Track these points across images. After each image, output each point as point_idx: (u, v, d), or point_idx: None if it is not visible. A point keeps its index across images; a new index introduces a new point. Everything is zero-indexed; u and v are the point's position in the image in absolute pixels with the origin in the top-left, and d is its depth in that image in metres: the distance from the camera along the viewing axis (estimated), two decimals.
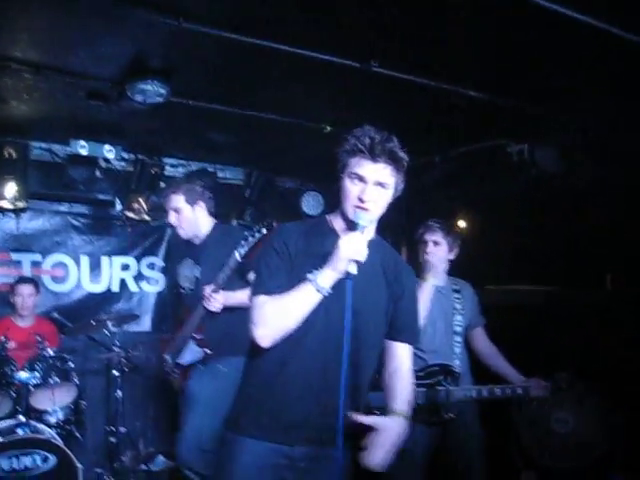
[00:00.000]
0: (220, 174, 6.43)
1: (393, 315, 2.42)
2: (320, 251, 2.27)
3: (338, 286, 2.20)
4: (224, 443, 2.39)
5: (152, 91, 4.04)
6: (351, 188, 2.26)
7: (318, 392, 2.28)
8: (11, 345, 4.67)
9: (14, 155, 5.31)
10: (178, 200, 3.98)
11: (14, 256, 5.96)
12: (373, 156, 2.21)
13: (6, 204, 5.48)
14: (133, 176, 5.98)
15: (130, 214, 6.09)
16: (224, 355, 3.82)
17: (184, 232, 4.04)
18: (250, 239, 3.70)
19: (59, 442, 4.32)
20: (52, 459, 4.19)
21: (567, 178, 4.77)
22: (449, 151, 5.41)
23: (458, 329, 3.94)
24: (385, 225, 2.48)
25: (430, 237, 3.97)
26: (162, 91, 4.06)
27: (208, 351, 3.93)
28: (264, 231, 3.72)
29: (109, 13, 3.26)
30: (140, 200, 6.01)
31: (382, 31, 3.45)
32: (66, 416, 4.78)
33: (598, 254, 4.69)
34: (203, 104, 4.60)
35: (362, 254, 2.16)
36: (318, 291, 2.19)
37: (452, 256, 4.05)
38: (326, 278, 2.19)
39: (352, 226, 2.23)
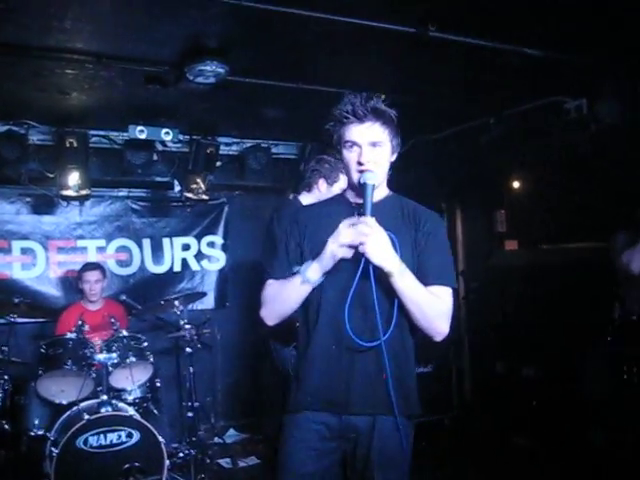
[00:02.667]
0: (274, 149, 6.47)
1: (419, 263, 2.34)
2: (336, 222, 2.30)
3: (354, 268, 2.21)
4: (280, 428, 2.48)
5: (210, 71, 4.07)
6: (349, 156, 2.32)
7: (342, 360, 2.32)
8: (87, 329, 4.82)
9: (75, 144, 5.43)
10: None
11: (80, 243, 6.17)
12: (358, 117, 2.26)
13: (70, 193, 5.63)
14: (189, 157, 6.08)
15: (189, 194, 6.21)
16: None
17: None
18: None
19: (141, 419, 4.47)
20: (136, 435, 4.37)
21: (629, 131, 4.67)
22: (504, 111, 5.33)
23: None
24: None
25: None
26: (220, 70, 4.08)
27: None
28: None
29: None
30: (198, 180, 6.12)
31: None
32: (144, 393, 4.95)
33: None
34: (257, 80, 4.62)
35: (349, 252, 2.21)
36: (306, 282, 2.30)
37: None
38: (314, 271, 2.29)
39: (362, 190, 2.25)
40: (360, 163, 2.27)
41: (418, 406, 2.41)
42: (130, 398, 4.84)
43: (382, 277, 2.21)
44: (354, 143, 2.29)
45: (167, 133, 5.48)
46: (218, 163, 6.16)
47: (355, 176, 2.31)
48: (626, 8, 3.50)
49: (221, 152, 6.17)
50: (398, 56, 4.27)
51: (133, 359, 4.79)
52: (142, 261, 6.42)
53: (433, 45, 3.92)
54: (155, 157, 5.97)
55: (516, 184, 6.25)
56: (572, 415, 5.05)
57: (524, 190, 6.19)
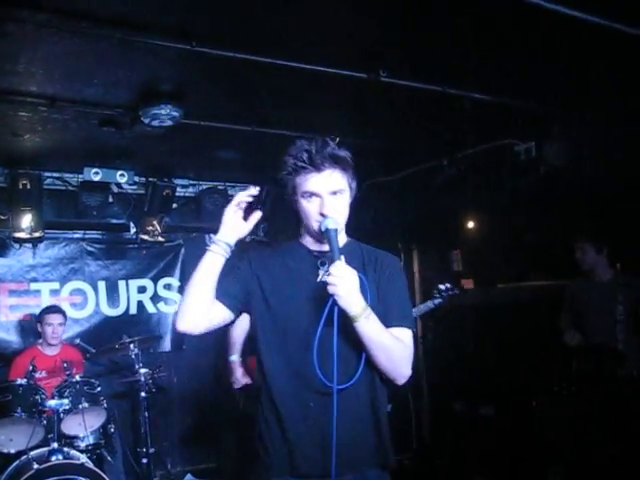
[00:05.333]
0: (230, 191, 6.50)
1: (382, 306, 2.24)
2: (297, 267, 2.29)
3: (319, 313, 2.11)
4: None
5: (165, 115, 4.11)
6: (309, 207, 2.20)
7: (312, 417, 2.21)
8: (41, 374, 4.72)
9: (28, 186, 5.39)
10: None
11: (33, 286, 6.06)
12: (316, 167, 2.15)
13: (23, 235, 5.57)
14: (145, 199, 6.07)
15: (144, 236, 6.19)
16: None
17: None
18: None
19: (93, 466, 4.35)
20: None
21: (576, 172, 4.83)
22: (456, 154, 5.46)
23: None
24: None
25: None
26: (175, 114, 4.13)
27: None
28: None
29: (121, 42, 3.33)
30: (154, 222, 6.10)
31: (387, 42, 3.54)
32: (97, 440, 4.81)
33: (609, 246, 4.76)
34: (213, 124, 4.67)
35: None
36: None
37: None
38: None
39: (326, 236, 2.15)
40: (323, 215, 2.16)
41: (392, 455, 2.31)
42: (82, 445, 4.70)
43: (347, 321, 2.10)
44: (313, 194, 2.18)
45: (122, 175, 5.49)
46: (174, 205, 6.17)
47: (315, 225, 2.20)
48: (572, 55, 3.67)
49: (177, 194, 6.20)
50: (351, 100, 4.36)
51: (86, 405, 4.67)
52: (97, 304, 6.33)
53: (385, 90, 4.02)
54: (110, 199, 5.96)
55: (470, 224, 6.35)
56: (530, 453, 5.09)
57: (478, 230, 6.29)
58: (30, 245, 5.94)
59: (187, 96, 4.11)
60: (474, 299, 6.37)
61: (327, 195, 2.17)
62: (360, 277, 2.10)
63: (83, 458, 4.45)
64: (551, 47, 3.57)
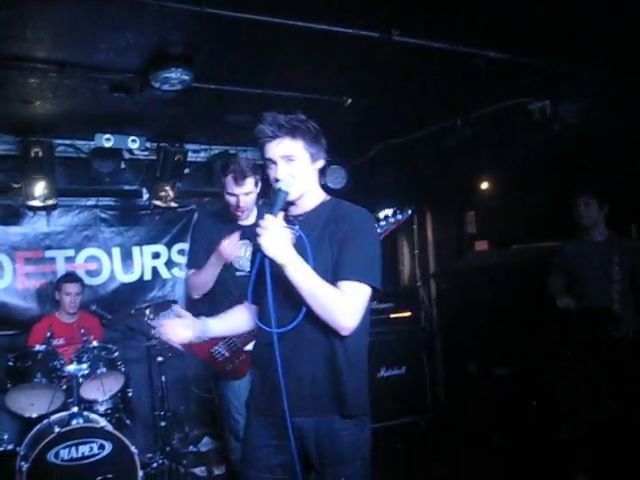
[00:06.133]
0: (242, 155, 6.44)
1: (337, 263, 2.39)
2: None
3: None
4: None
5: (175, 78, 4.06)
6: (269, 172, 2.46)
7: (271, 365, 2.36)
8: (59, 342, 4.77)
9: (40, 154, 5.37)
10: None
11: (48, 253, 6.08)
12: (268, 136, 2.39)
13: (36, 203, 5.56)
14: (157, 164, 6.04)
15: (157, 202, 6.17)
16: None
17: None
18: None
19: (113, 429, 4.42)
20: (108, 446, 4.30)
21: (591, 130, 4.76)
22: (470, 114, 5.38)
23: None
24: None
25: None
26: (185, 77, 4.07)
27: None
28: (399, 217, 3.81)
29: (128, 4, 3.29)
30: (166, 187, 6.09)
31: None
32: (115, 404, 4.91)
33: (623, 206, 4.70)
34: (223, 87, 4.62)
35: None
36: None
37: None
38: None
39: (276, 195, 2.37)
40: (277, 179, 2.39)
41: (358, 405, 2.45)
42: (102, 409, 4.80)
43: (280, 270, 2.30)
44: (270, 160, 2.42)
45: (134, 141, 5.46)
46: (186, 170, 6.15)
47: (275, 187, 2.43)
48: (588, 11, 3.57)
49: (189, 159, 6.15)
50: (362, 61, 4.29)
51: (104, 370, 4.74)
52: (112, 270, 6.36)
53: (397, 49, 3.96)
54: (122, 165, 5.93)
55: (484, 185, 6.31)
56: (545, 413, 5.12)
57: (493, 191, 6.25)
58: (44, 213, 5.95)
59: (197, 59, 4.05)
60: (488, 260, 6.37)
61: (280, 160, 2.40)
62: (299, 235, 2.39)
63: (103, 421, 4.51)
64: (565, 2, 3.48)
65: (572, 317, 4.68)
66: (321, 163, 2.52)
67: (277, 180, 2.39)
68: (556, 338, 4.84)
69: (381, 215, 3.89)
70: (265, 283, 2.29)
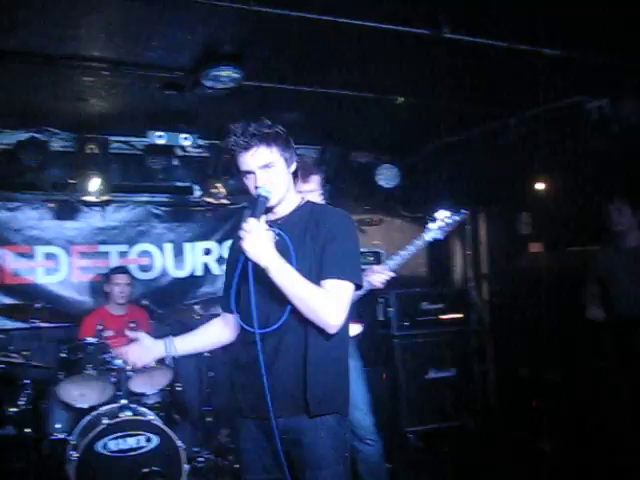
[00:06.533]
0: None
1: (320, 263, 2.41)
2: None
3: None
4: None
5: (226, 77, 4.08)
6: (248, 183, 2.46)
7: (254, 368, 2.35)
8: (108, 333, 4.86)
9: (95, 150, 5.49)
10: None
11: (102, 248, 6.21)
12: (243, 147, 2.37)
13: (91, 198, 5.67)
14: (209, 161, 6.09)
15: (209, 199, 6.22)
16: None
17: None
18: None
19: (160, 423, 4.48)
20: (155, 439, 4.37)
21: None
22: (525, 112, 5.25)
23: None
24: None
25: None
26: (236, 75, 4.09)
27: None
28: (457, 218, 3.83)
29: (179, 3, 3.32)
30: (218, 184, 6.13)
31: None
32: (163, 398, 4.97)
33: None
34: (275, 85, 4.63)
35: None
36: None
37: None
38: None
39: (256, 200, 2.38)
40: (257, 188, 2.39)
41: (331, 404, 2.43)
42: (150, 402, 4.86)
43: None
44: (247, 171, 2.42)
45: (186, 138, 5.50)
46: None
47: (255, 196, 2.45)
48: None
49: None
50: (414, 59, 4.24)
51: (152, 363, 4.79)
52: (164, 265, 6.45)
53: (448, 47, 3.89)
54: (175, 162, 5.99)
55: (540, 185, 6.17)
56: (599, 420, 4.97)
57: (548, 191, 6.11)
58: (98, 208, 6.08)
59: (247, 57, 4.06)
60: (543, 262, 6.23)
61: (258, 170, 2.39)
62: (281, 236, 2.42)
63: (151, 415, 4.57)
64: None
65: (602, 328, 4.58)
66: (294, 166, 2.53)
67: (257, 187, 2.39)
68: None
69: (440, 216, 3.87)
70: (248, 285, 2.30)
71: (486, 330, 6.86)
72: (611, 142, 4.80)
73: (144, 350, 2.73)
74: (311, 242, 2.43)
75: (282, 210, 2.51)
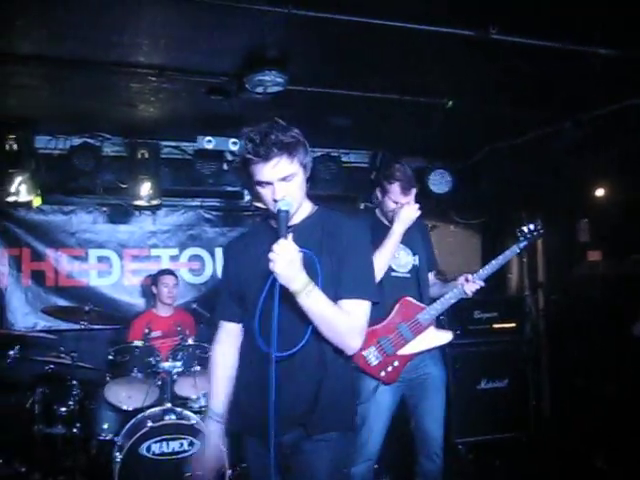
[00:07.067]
0: (344, 158, 6.39)
1: (338, 277, 2.33)
2: (261, 248, 2.32)
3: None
4: None
5: (270, 81, 4.06)
6: (264, 192, 2.33)
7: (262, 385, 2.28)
8: (155, 334, 4.91)
9: (147, 155, 5.56)
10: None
11: (153, 252, 6.33)
12: (262, 157, 2.24)
13: (143, 203, 5.76)
14: None
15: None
16: None
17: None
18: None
19: (203, 427, 4.48)
20: (198, 444, 4.37)
21: None
22: (581, 115, 5.06)
23: None
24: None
25: None
26: (280, 80, 4.06)
27: None
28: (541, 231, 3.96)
29: (220, 8, 3.30)
30: None
31: None
32: (208, 402, 4.96)
33: None
34: (321, 89, 4.58)
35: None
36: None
37: None
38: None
39: (277, 217, 2.26)
40: (275, 200, 2.27)
41: (336, 422, 2.38)
42: (195, 406, 4.87)
43: (291, 295, 2.22)
44: (266, 182, 2.29)
45: (235, 143, 5.51)
46: None
47: (272, 208, 2.32)
48: None
49: None
50: (462, 61, 4.13)
51: (198, 368, 4.81)
52: (214, 270, 6.51)
53: (498, 48, 3.77)
54: (225, 167, 6.02)
55: (599, 192, 5.96)
56: None
57: (607, 198, 5.90)
58: (150, 212, 6.19)
59: (291, 62, 4.03)
60: (603, 270, 6.01)
61: (277, 182, 2.27)
62: (308, 254, 2.26)
63: (195, 419, 4.58)
64: None
65: None
66: (308, 173, 2.42)
67: (275, 200, 2.28)
68: None
69: (525, 229, 3.93)
70: (272, 305, 2.19)
71: (541, 339, 6.66)
72: None
73: (212, 458, 2.61)
74: (328, 254, 2.34)
75: (295, 218, 2.40)
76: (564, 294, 6.50)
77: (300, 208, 2.41)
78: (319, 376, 2.33)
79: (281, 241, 2.17)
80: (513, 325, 6.22)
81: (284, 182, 2.28)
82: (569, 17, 3.50)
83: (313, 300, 2.21)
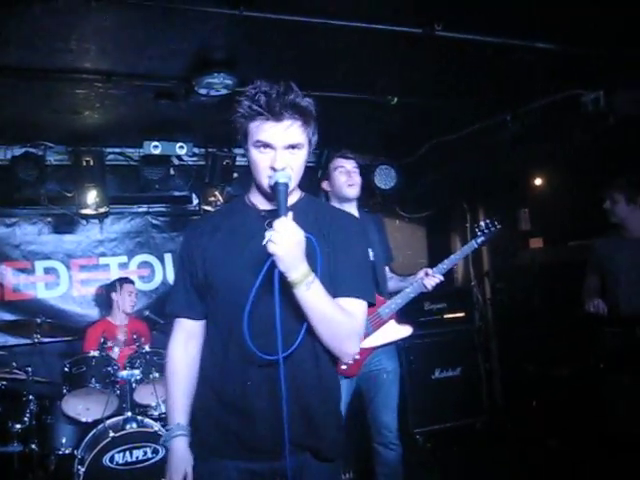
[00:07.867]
0: None
1: (332, 272, 2.03)
2: (242, 230, 2.08)
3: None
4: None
5: (219, 83, 4.07)
6: (260, 159, 1.98)
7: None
8: (111, 344, 4.85)
9: (92, 163, 5.46)
10: None
11: (102, 260, 6.22)
12: (274, 115, 1.92)
13: (89, 211, 5.66)
14: (206, 170, 6.07)
15: (207, 207, 6.20)
16: None
17: None
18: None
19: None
20: (162, 451, 4.34)
21: None
22: (520, 108, 5.23)
23: None
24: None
25: None
26: (229, 82, 4.08)
27: None
28: (498, 227, 4.11)
29: (170, 11, 3.29)
30: (215, 192, 6.11)
31: None
32: None
33: None
34: None
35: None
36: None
37: None
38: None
39: (274, 192, 1.93)
40: (274, 169, 1.94)
41: (334, 447, 2.10)
42: (156, 414, 4.83)
43: (286, 285, 1.87)
44: (267, 144, 1.95)
45: (181, 147, 5.50)
46: (235, 175, 6.14)
47: (265, 180, 1.98)
48: None
49: (238, 163, 6.14)
50: (407, 58, 4.21)
51: (156, 375, 4.77)
52: (164, 276, 6.45)
53: (441, 44, 3.87)
54: (172, 172, 5.98)
55: (538, 181, 6.17)
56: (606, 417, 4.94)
57: (546, 187, 6.11)
58: (97, 221, 6.08)
59: (240, 63, 4.04)
60: (544, 257, 6.21)
61: (282, 149, 1.95)
62: (309, 238, 1.88)
63: (156, 426, 4.55)
64: None
65: (604, 324, 4.41)
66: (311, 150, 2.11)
67: (274, 170, 1.94)
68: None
69: (482, 224, 4.12)
70: (268, 301, 1.86)
71: (490, 328, 6.84)
72: (607, 134, 4.78)
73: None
74: (325, 243, 2.03)
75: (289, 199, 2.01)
76: (509, 282, 6.69)
77: (293, 191, 2.08)
78: (312, 386, 2.04)
79: (283, 219, 1.82)
80: (462, 315, 6.40)
81: (289, 151, 1.96)
82: (508, 13, 3.62)
83: (313, 293, 1.87)
